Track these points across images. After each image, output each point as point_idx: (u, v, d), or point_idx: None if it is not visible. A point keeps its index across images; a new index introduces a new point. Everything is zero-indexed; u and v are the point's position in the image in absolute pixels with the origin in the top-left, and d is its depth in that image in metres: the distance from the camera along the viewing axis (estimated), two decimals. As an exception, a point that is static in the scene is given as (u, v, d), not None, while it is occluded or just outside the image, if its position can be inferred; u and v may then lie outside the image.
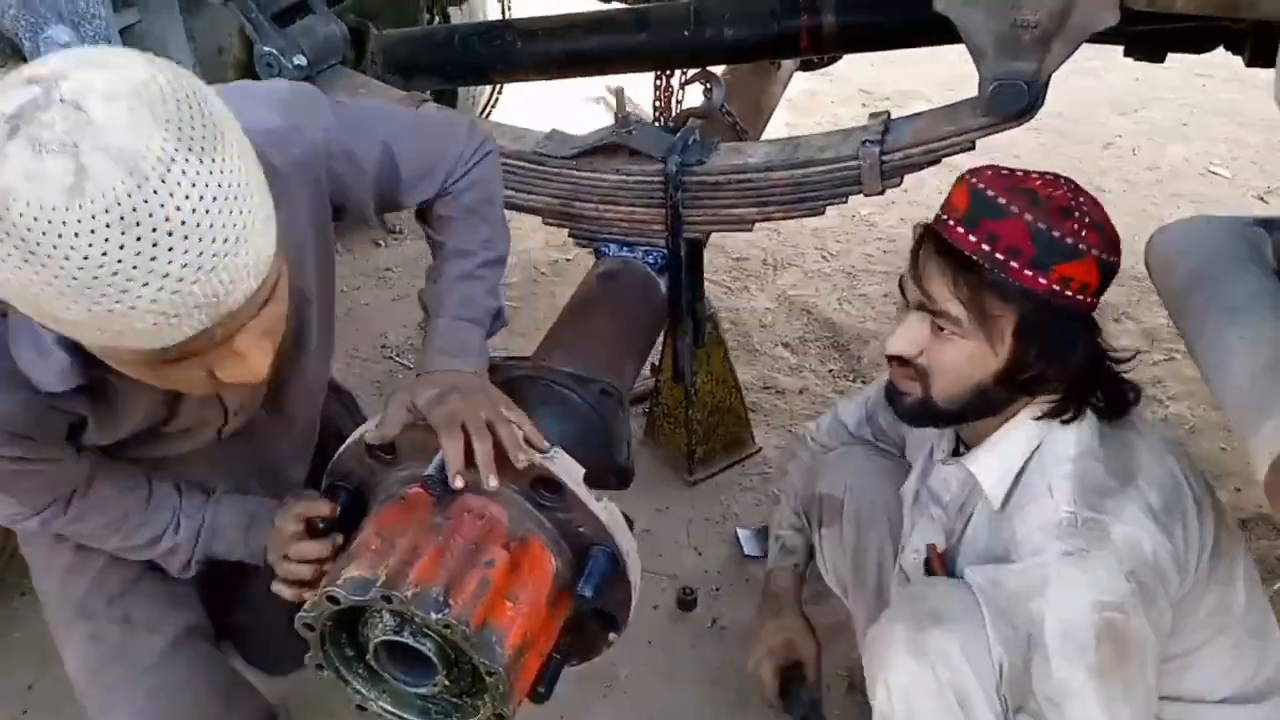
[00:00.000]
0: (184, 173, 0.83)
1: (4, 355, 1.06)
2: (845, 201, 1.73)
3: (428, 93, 2.89)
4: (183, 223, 0.84)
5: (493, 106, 3.59)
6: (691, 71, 2.24)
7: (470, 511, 1.28)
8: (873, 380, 2.68)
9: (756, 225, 1.81)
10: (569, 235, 1.90)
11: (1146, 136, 4.53)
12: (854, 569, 1.73)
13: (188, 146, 0.84)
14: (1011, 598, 1.25)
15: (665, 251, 1.87)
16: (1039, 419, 1.35)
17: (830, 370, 3.09)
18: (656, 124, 2.16)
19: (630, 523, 1.37)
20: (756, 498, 2.63)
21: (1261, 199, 4.01)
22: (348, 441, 1.36)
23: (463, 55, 2.24)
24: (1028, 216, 1.25)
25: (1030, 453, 1.35)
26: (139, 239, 0.82)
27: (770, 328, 3.29)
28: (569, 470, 1.29)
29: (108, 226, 0.81)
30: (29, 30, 1.68)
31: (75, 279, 0.82)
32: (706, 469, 2.67)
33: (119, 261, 0.82)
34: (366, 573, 1.21)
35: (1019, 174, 1.32)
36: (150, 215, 0.82)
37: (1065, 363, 1.30)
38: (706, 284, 3.50)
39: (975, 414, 1.37)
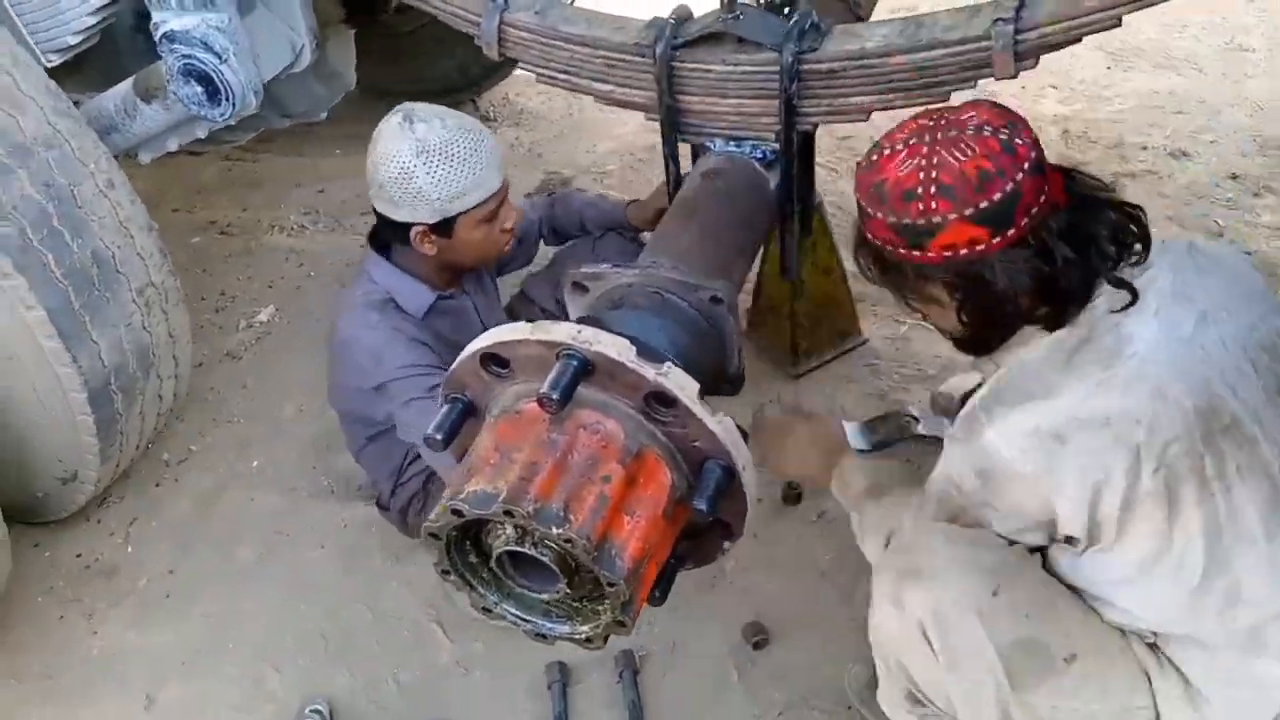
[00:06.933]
0: None
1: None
2: (974, 85, 1.61)
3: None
4: None
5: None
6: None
7: (585, 427, 1.28)
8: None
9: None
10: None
11: (1303, -14, 4.11)
12: None
13: None
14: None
15: (775, 145, 1.78)
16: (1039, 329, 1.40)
17: (941, 257, 2.97)
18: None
19: (745, 435, 1.35)
20: (864, 390, 2.58)
21: None
22: (462, 355, 1.36)
23: None
24: (879, 215, 1.33)
25: None
26: None
27: (877, 212, 3.16)
28: (683, 385, 1.26)
29: None
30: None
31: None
32: (811, 362, 2.62)
33: None
34: (488, 487, 1.23)
35: (876, 156, 1.34)
36: None
37: (1002, 298, 1.33)
38: (812, 168, 3.40)
39: (995, 343, 1.43)
